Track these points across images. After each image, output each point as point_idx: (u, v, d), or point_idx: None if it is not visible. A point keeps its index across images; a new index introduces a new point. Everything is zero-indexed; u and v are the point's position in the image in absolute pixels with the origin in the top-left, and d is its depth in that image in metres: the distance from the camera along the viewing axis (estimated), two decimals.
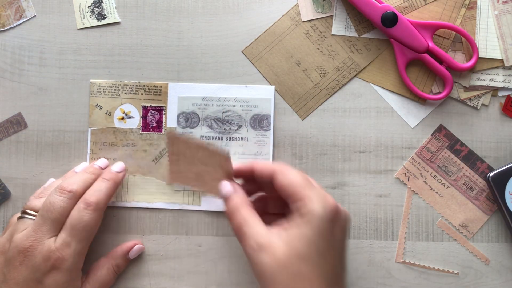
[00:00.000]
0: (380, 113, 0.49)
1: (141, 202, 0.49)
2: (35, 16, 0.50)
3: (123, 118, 0.49)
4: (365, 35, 0.49)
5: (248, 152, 0.48)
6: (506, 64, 0.48)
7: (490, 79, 0.48)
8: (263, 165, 0.42)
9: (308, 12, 0.49)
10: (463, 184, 0.49)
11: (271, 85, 0.49)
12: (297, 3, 0.49)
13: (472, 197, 0.48)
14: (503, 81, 0.48)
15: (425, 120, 0.49)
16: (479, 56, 0.48)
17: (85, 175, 0.45)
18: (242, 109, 0.48)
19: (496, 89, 0.49)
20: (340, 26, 0.49)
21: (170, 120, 0.49)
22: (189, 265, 0.49)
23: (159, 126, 0.49)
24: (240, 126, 0.49)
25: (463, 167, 0.49)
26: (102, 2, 0.49)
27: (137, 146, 0.49)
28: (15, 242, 0.42)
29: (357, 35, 0.49)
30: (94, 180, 0.46)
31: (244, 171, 0.43)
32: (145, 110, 0.49)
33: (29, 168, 0.49)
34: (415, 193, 0.49)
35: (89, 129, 0.49)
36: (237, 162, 0.44)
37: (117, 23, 0.50)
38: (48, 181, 0.48)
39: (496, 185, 0.47)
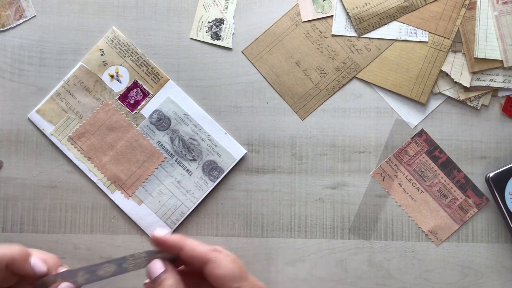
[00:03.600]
0: (380, 113, 0.49)
1: (69, 152, 0.49)
2: (35, 16, 0.50)
3: (112, 77, 0.49)
4: (365, 35, 0.49)
5: (183, 185, 0.49)
6: (505, 65, 0.48)
7: (490, 80, 0.48)
8: (195, 248, 0.35)
9: (308, 12, 0.49)
10: (437, 190, 0.49)
11: (272, 86, 0.49)
12: (297, 3, 0.49)
13: (445, 204, 0.48)
14: (503, 82, 0.48)
15: (425, 120, 0.49)
16: (479, 56, 0.48)
17: None
18: (207, 148, 0.48)
19: (496, 90, 0.49)
20: (340, 26, 0.49)
21: (146, 110, 0.49)
22: None
23: (134, 106, 0.49)
24: (194, 160, 0.49)
25: (439, 174, 0.49)
26: (223, 24, 0.49)
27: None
28: None
29: (357, 35, 0.49)
30: None
31: (171, 245, 0.35)
32: (135, 84, 0.49)
33: (29, 168, 0.49)
34: (389, 194, 0.49)
35: (80, 62, 0.49)
36: (166, 232, 0.36)
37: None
38: None
39: (496, 185, 0.47)
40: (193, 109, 0.49)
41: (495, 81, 0.48)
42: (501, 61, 0.48)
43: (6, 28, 0.50)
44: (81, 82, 0.49)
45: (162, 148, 0.49)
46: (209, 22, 0.49)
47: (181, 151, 0.48)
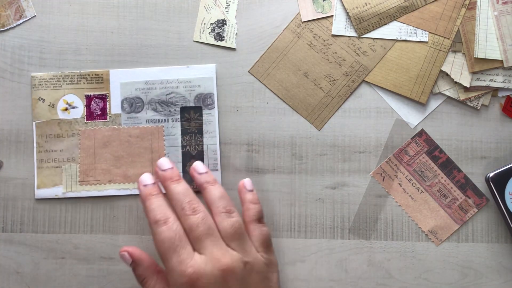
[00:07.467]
0: (380, 113, 0.49)
1: (91, 191, 0.49)
2: (35, 16, 0.50)
3: (66, 109, 0.49)
4: (366, 35, 0.49)
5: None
6: (505, 65, 0.48)
7: (490, 80, 0.48)
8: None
9: (308, 12, 0.49)
10: (437, 190, 0.49)
11: (283, 101, 0.49)
12: (296, 15, 0.49)
13: (445, 204, 0.48)
14: (503, 82, 0.48)
15: (425, 120, 0.49)
16: (479, 56, 0.48)
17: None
18: (185, 90, 0.49)
19: (496, 90, 0.49)
20: (340, 26, 0.49)
21: (114, 107, 0.49)
22: None
23: (103, 113, 0.49)
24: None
25: (439, 174, 0.49)
26: (225, 24, 0.49)
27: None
28: None
29: (357, 35, 0.49)
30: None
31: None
32: (89, 99, 0.49)
33: (29, 168, 0.49)
34: (389, 194, 0.49)
35: (34, 123, 0.49)
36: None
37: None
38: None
39: (496, 185, 0.47)
40: (146, 73, 0.49)
41: (495, 81, 0.48)
42: (501, 61, 0.48)
43: (6, 28, 0.50)
44: (49, 136, 0.49)
45: (155, 123, 0.49)
46: (211, 23, 0.49)
47: (170, 111, 0.49)
